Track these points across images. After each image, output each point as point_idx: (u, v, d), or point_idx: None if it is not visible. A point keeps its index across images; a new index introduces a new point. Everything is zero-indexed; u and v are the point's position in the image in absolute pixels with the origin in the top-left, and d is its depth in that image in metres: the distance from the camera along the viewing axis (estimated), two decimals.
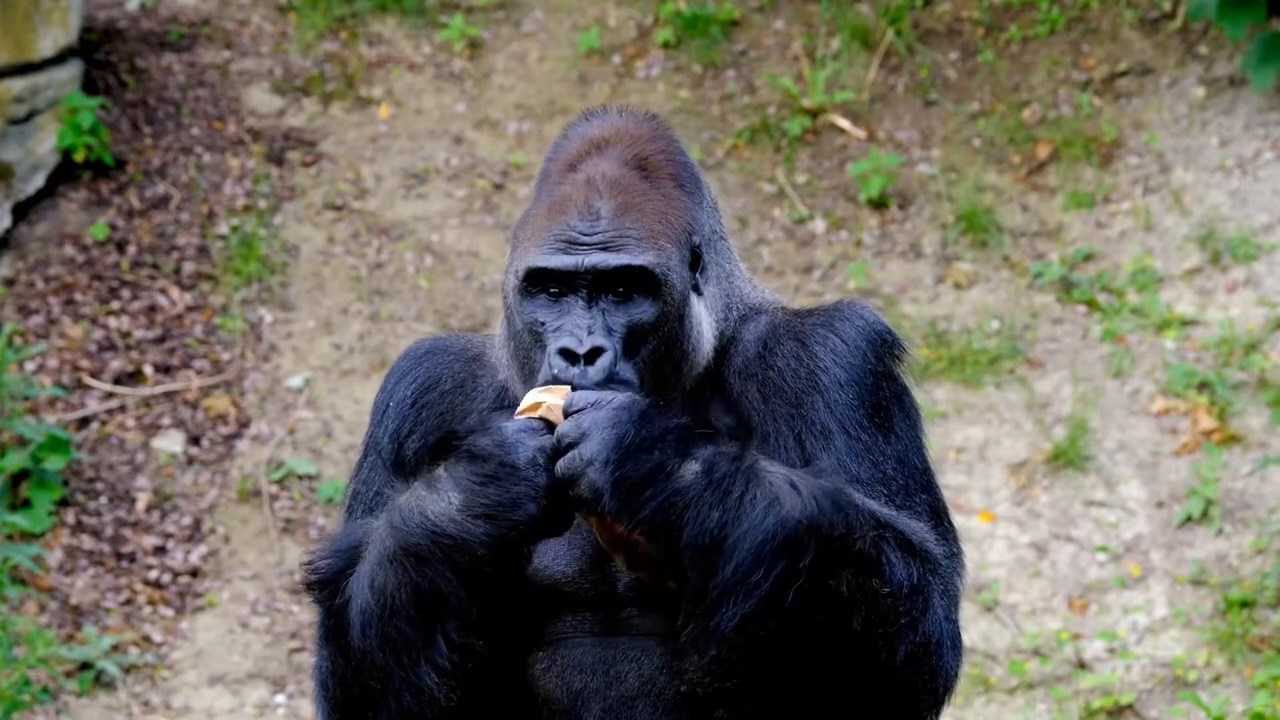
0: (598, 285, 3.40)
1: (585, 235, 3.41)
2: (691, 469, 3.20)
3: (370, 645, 3.33)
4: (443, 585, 3.27)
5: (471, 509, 3.25)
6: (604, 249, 3.40)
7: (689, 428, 3.22)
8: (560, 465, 3.22)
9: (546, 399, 3.29)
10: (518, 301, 3.45)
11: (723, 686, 3.28)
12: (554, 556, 3.46)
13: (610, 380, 3.35)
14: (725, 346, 3.58)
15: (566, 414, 3.25)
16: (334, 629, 3.39)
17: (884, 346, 3.51)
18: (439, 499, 3.26)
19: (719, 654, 3.24)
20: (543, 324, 3.42)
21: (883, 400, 3.48)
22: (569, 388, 3.32)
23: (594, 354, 3.37)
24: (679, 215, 3.49)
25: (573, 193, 3.46)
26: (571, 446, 3.22)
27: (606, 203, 3.44)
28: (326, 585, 3.41)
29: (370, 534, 3.40)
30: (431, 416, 3.63)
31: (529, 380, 3.45)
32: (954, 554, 3.51)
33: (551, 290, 3.42)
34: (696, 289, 3.52)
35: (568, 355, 3.36)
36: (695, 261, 3.52)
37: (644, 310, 3.42)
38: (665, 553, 3.26)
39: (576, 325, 3.39)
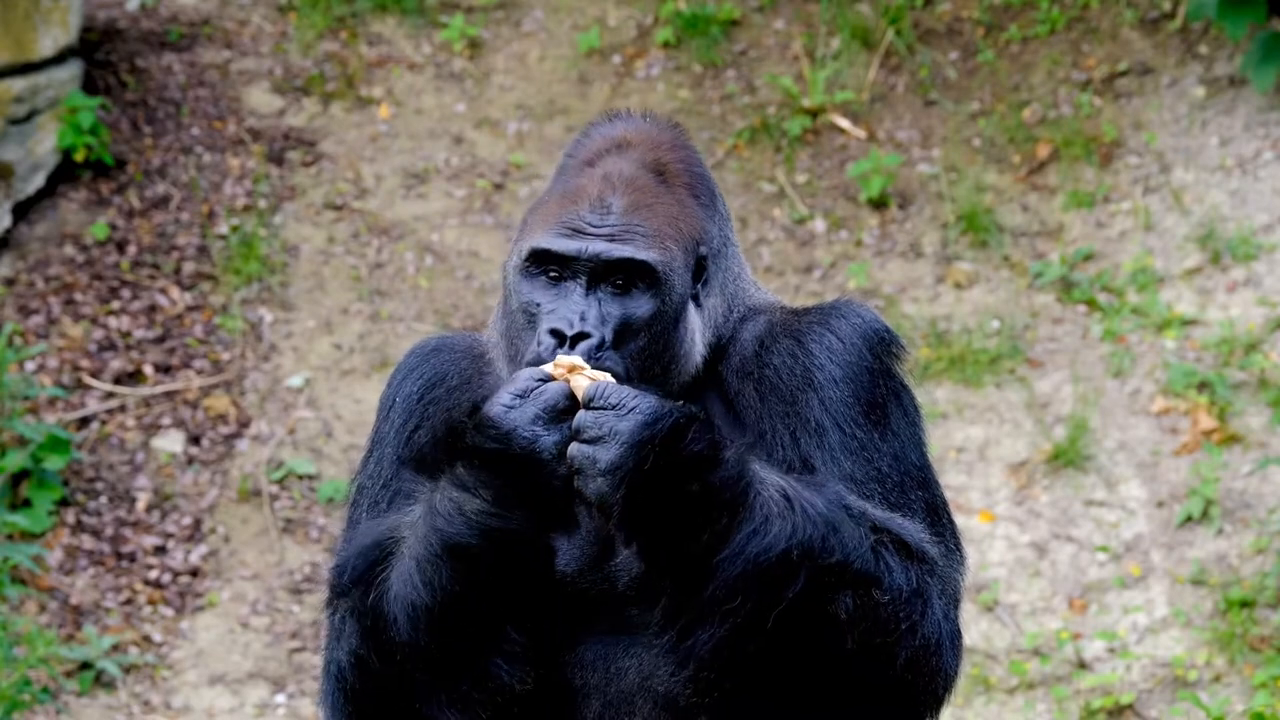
0: (598, 273, 3.42)
1: (593, 225, 3.43)
2: (693, 489, 3.21)
3: (424, 640, 3.33)
4: (500, 575, 3.29)
5: (506, 501, 3.26)
6: (610, 240, 3.42)
7: (702, 450, 3.21)
8: (575, 455, 3.22)
9: (565, 364, 3.31)
10: (517, 281, 3.46)
11: (701, 701, 3.31)
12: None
13: (589, 363, 3.35)
14: (725, 346, 3.59)
15: (588, 403, 3.23)
16: (370, 629, 3.39)
17: (880, 344, 3.52)
18: (472, 497, 3.26)
19: (695, 671, 3.27)
20: (538, 305, 3.44)
21: (879, 397, 3.48)
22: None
23: (579, 338, 3.38)
24: (689, 224, 3.51)
25: (587, 185, 3.48)
26: (589, 440, 3.21)
27: (619, 199, 3.46)
28: (358, 585, 3.42)
29: (397, 531, 3.40)
30: (438, 413, 3.64)
31: (515, 361, 3.47)
32: (952, 551, 3.51)
33: (551, 273, 3.43)
34: (696, 299, 3.53)
35: (556, 335, 3.38)
36: (699, 273, 3.53)
37: (640, 305, 3.43)
38: (651, 561, 3.28)
39: (570, 310, 3.40)
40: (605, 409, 3.22)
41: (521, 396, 3.25)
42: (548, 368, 3.28)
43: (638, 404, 3.21)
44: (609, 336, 3.39)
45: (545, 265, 3.43)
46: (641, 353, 3.43)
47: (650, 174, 3.51)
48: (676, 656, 3.28)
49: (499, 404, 3.25)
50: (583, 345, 3.37)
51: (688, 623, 3.24)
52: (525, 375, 3.27)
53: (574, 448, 3.21)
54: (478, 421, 3.25)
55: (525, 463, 3.23)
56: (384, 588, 3.37)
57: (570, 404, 3.24)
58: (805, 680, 3.30)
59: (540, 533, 3.28)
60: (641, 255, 3.41)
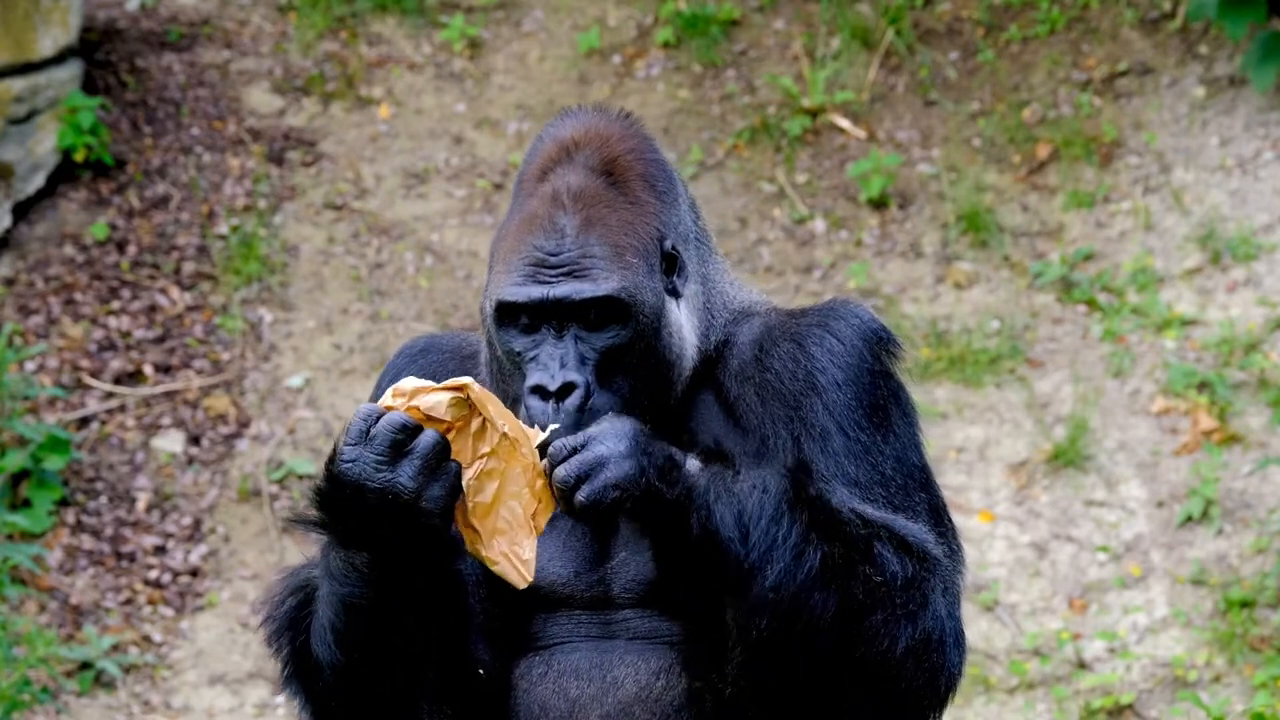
0: (566, 315, 3.42)
1: (551, 255, 3.43)
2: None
3: (343, 690, 3.41)
4: (399, 626, 3.33)
5: (389, 546, 3.27)
6: (570, 275, 3.42)
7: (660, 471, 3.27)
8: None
9: (407, 389, 3.26)
10: (494, 329, 3.48)
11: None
12: (549, 559, 3.47)
13: (582, 414, 3.37)
14: (719, 349, 3.58)
15: (567, 499, 3.24)
16: (297, 672, 3.48)
17: (880, 345, 3.52)
18: (359, 551, 3.29)
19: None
20: (518, 353, 3.45)
21: (880, 399, 3.49)
22: (417, 382, 3.28)
23: (565, 390, 3.38)
24: (647, 222, 3.50)
25: (539, 208, 3.48)
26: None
27: (571, 219, 3.45)
28: (285, 631, 3.49)
29: (314, 578, 3.47)
30: None
31: (509, 403, 3.47)
32: (954, 552, 3.51)
33: (523, 321, 3.44)
34: (674, 292, 3.52)
35: (540, 393, 3.39)
36: (671, 265, 3.52)
37: (616, 335, 3.44)
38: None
39: (550, 356, 3.41)
40: (581, 472, 3.25)
41: (357, 443, 3.23)
42: (386, 399, 3.24)
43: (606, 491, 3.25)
44: (592, 379, 3.41)
45: (515, 315, 3.44)
46: (634, 374, 3.45)
47: (600, 177, 3.50)
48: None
49: (342, 459, 3.24)
50: (569, 401, 3.38)
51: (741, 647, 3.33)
52: (359, 416, 3.23)
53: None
54: (331, 480, 3.25)
55: (385, 506, 3.22)
56: (309, 635, 3.44)
57: (408, 433, 3.20)
58: (818, 681, 3.33)
59: (434, 566, 3.32)
60: (603, 290, 3.41)
